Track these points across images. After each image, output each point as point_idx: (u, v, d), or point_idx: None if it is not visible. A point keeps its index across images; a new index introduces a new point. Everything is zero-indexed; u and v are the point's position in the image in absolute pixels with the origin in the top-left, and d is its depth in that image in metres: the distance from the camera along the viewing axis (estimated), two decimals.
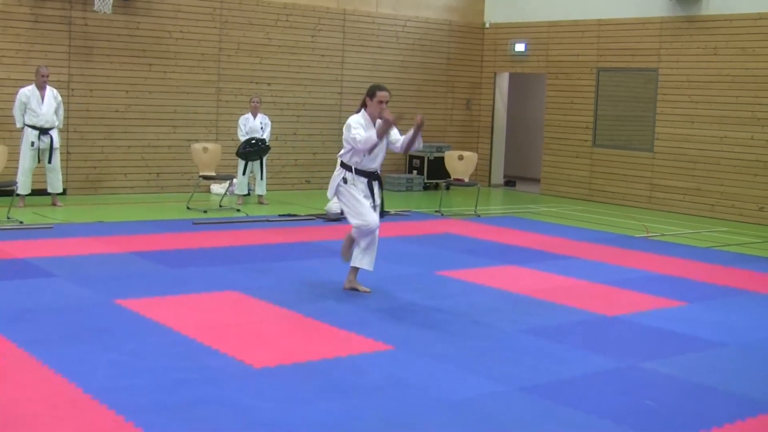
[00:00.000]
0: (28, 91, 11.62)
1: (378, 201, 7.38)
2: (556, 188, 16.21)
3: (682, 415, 4.85)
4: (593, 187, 15.62)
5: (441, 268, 8.70)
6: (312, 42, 15.24)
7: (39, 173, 11.97)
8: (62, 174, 12.13)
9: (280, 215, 11.91)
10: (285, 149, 15.03)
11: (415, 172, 16.19)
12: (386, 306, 7.07)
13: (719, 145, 13.83)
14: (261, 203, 13.20)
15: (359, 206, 7.22)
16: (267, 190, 13.56)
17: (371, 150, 7.15)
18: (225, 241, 9.77)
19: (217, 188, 14.06)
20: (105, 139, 13.44)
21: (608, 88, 15.47)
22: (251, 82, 14.61)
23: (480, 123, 17.56)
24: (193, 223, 10.97)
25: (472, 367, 5.52)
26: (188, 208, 12.25)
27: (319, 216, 11.89)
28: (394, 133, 7.30)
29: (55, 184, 11.93)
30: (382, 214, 7.51)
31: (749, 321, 7.11)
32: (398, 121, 7.15)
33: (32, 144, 11.61)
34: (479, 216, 12.88)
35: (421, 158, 16.21)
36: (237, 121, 13.35)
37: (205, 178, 12.70)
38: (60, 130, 12.03)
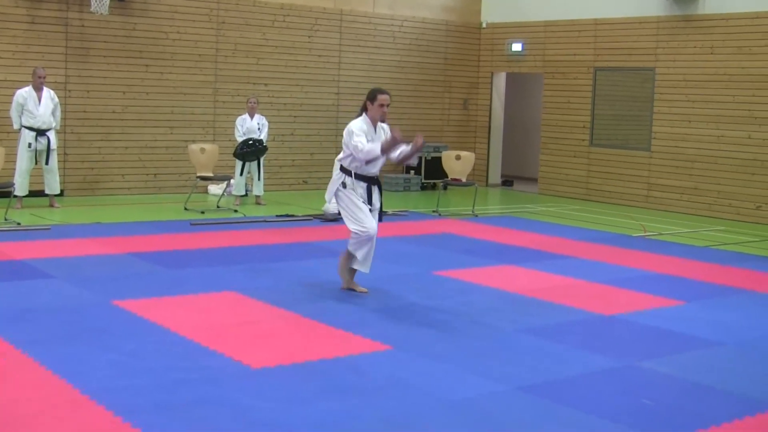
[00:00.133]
0: (25, 93, 11.61)
1: (377, 205, 7.36)
2: (553, 188, 16.22)
3: (681, 414, 4.86)
4: (591, 186, 15.63)
5: (439, 268, 8.70)
6: (309, 42, 15.24)
7: (36, 174, 11.96)
8: (59, 175, 12.12)
9: (277, 216, 11.91)
10: (282, 150, 15.03)
11: (412, 172, 16.20)
12: (384, 306, 7.07)
13: (716, 144, 13.84)
14: (258, 204, 13.20)
15: (358, 212, 7.19)
16: (264, 191, 13.57)
17: (370, 162, 7.11)
18: (223, 242, 9.77)
19: (215, 189, 14.05)
20: (102, 140, 13.44)
21: (605, 87, 15.49)
22: (248, 83, 14.61)
23: (477, 123, 17.57)
24: (191, 224, 10.97)
25: (471, 366, 5.53)
26: (186, 208, 12.24)
27: (316, 216, 11.89)
28: None
29: (53, 186, 11.92)
30: (381, 217, 7.48)
31: (747, 320, 7.12)
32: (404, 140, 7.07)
33: (29, 145, 11.60)
34: (477, 216, 12.89)
35: (419, 158, 16.17)
36: (234, 121, 13.34)
37: (203, 178, 12.69)
38: (57, 132, 12.01)
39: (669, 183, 14.47)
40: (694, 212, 14.03)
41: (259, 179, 13.20)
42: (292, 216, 11.94)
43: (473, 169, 14.13)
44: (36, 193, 12.06)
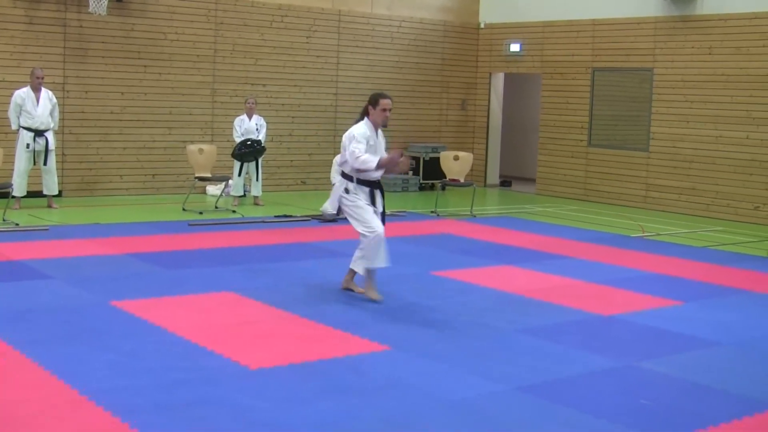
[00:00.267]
0: (24, 93, 11.60)
1: (381, 209, 7.34)
2: (551, 188, 16.23)
3: (679, 415, 4.86)
4: (589, 187, 15.64)
5: (437, 269, 8.71)
6: (307, 43, 15.24)
7: (35, 175, 11.95)
8: (58, 176, 12.10)
9: (275, 216, 11.91)
10: (280, 150, 15.02)
11: (410, 172, 16.19)
12: (383, 306, 7.07)
13: (714, 145, 13.85)
14: (257, 204, 13.20)
15: (364, 213, 7.16)
16: (263, 191, 13.56)
17: (361, 171, 7.11)
18: (221, 242, 9.77)
19: (213, 189, 14.05)
20: (100, 140, 13.43)
21: (603, 88, 15.50)
22: (246, 84, 14.61)
23: (475, 123, 17.57)
24: (189, 225, 10.96)
25: (470, 366, 5.53)
26: (184, 209, 12.24)
27: (314, 217, 11.89)
28: (381, 150, 7.27)
29: (51, 186, 11.91)
30: (384, 220, 7.45)
31: (745, 320, 7.12)
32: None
33: (27, 146, 11.59)
34: (475, 216, 12.89)
35: (417, 159, 16.21)
36: (232, 122, 13.33)
37: (201, 179, 12.69)
38: (55, 132, 12.01)
39: (667, 183, 14.48)
40: (692, 212, 14.04)
41: (257, 180, 13.20)
42: (291, 216, 11.94)
43: (471, 170, 14.13)
44: (34, 194, 12.05)
